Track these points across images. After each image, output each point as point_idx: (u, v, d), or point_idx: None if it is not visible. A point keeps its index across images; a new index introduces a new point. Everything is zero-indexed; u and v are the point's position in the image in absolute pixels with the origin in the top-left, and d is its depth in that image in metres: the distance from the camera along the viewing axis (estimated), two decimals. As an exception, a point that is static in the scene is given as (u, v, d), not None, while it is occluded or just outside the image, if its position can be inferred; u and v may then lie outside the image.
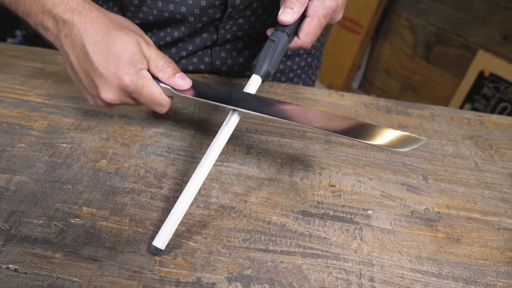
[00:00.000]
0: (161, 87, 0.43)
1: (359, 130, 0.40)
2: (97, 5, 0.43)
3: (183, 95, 0.43)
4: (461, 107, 1.75)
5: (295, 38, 0.47)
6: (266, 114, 0.41)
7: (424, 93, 1.95)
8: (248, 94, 0.43)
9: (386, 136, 0.39)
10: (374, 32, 2.09)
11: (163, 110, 0.45)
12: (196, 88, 0.44)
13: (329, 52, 2.26)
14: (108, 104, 0.43)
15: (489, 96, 1.65)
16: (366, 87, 2.29)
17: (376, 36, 2.12)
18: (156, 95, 0.43)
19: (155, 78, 0.43)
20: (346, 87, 2.22)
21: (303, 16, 0.46)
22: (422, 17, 1.87)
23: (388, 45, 2.08)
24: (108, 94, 0.41)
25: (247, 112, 0.41)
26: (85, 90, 0.44)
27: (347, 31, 2.14)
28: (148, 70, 0.43)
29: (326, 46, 2.27)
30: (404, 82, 2.05)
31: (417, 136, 0.39)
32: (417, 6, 1.88)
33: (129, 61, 0.40)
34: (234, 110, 0.42)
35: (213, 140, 0.41)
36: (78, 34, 0.40)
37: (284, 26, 0.44)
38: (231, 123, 0.42)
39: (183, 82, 0.43)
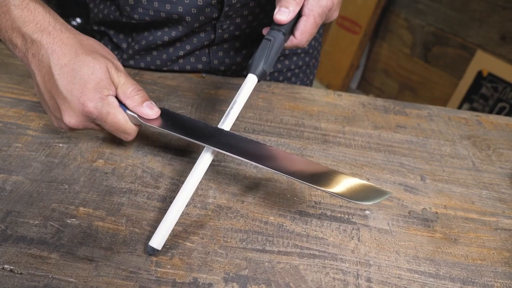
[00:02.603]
0: (128, 114, 0.42)
1: (329, 180, 0.37)
2: (69, 26, 0.42)
3: (149, 124, 0.42)
4: (459, 107, 1.75)
5: (291, 37, 0.47)
6: (235, 155, 0.39)
7: (422, 93, 1.95)
8: (222, 130, 0.41)
9: (354, 187, 0.37)
10: (373, 32, 2.09)
11: (129, 138, 0.44)
12: (165, 119, 0.43)
13: (327, 52, 2.26)
14: (71, 129, 0.42)
15: (487, 96, 1.65)
16: (364, 87, 2.29)
17: (375, 36, 2.13)
18: (121, 123, 0.42)
19: (123, 105, 0.42)
20: (345, 87, 2.22)
21: (299, 15, 0.46)
22: (420, 17, 1.87)
23: (387, 45, 2.08)
24: (71, 119, 0.40)
25: (219, 151, 0.39)
26: (49, 112, 0.43)
27: (345, 31, 2.14)
28: (116, 97, 0.42)
29: (324, 46, 2.27)
30: (402, 82, 2.05)
31: (383, 189, 0.37)
32: (415, 6, 1.88)
33: (95, 87, 0.40)
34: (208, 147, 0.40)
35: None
36: (45, 55, 0.39)
37: (279, 25, 0.44)
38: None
39: (151, 111, 0.42)
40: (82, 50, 0.40)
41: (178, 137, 0.41)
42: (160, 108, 0.44)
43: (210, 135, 0.41)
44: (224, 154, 0.39)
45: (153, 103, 0.43)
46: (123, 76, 0.42)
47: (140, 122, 0.43)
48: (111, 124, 0.41)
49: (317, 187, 0.37)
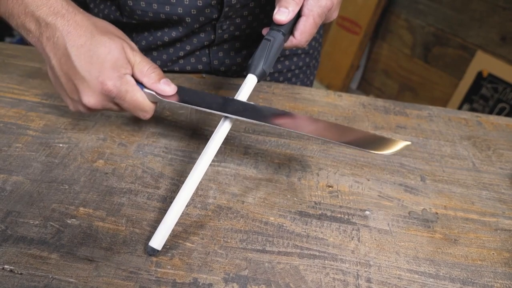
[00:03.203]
0: (145, 92, 0.42)
1: (361, 140, 0.39)
2: (81, 9, 0.42)
3: (168, 100, 0.42)
4: (460, 108, 1.75)
5: (291, 37, 0.47)
6: (257, 120, 0.40)
7: (422, 93, 1.95)
8: (237, 100, 0.42)
9: (364, 137, 0.40)
10: (373, 33, 2.09)
11: (147, 116, 0.44)
12: (182, 94, 0.43)
13: (328, 52, 2.26)
14: (90, 109, 0.42)
15: (488, 96, 1.65)
16: (364, 88, 2.29)
17: (375, 37, 2.13)
18: (140, 101, 0.42)
19: (140, 83, 0.42)
20: (345, 88, 2.23)
21: (298, 15, 0.46)
22: (420, 17, 1.87)
23: (387, 46, 2.08)
24: (90, 99, 0.41)
25: (237, 118, 0.40)
26: (65, 95, 0.43)
27: (345, 31, 2.14)
28: (133, 76, 0.42)
29: (325, 47, 2.27)
30: (402, 83, 2.05)
31: (399, 140, 0.40)
32: (415, 7, 1.89)
33: (113, 66, 0.40)
34: (226, 117, 0.41)
35: (205, 146, 0.40)
36: (60, 37, 0.39)
37: (279, 25, 0.44)
38: (222, 129, 0.41)
39: (168, 88, 0.43)
40: (97, 31, 0.40)
41: (197, 109, 0.42)
42: (177, 85, 0.44)
43: (227, 105, 0.41)
44: (243, 120, 0.40)
45: (169, 80, 0.43)
46: (139, 55, 0.42)
47: (157, 99, 0.43)
48: (130, 102, 0.42)
49: (336, 142, 0.38)
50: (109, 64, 0.40)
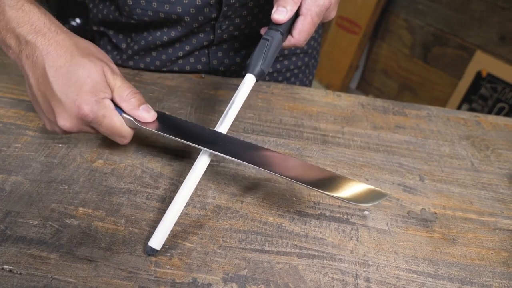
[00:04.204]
0: (123, 117, 0.42)
1: (330, 183, 0.38)
2: (65, 28, 0.41)
3: (146, 127, 0.42)
4: (459, 108, 1.76)
5: (289, 37, 0.47)
6: (232, 157, 0.38)
7: (422, 93, 1.96)
8: (219, 134, 0.41)
9: (353, 189, 0.37)
10: (372, 33, 2.09)
11: (124, 141, 0.43)
12: (161, 122, 0.43)
13: (327, 52, 2.26)
14: (65, 132, 0.41)
15: (487, 96, 1.65)
16: (364, 88, 2.29)
17: (374, 37, 2.13)
18: (117, 126, 0.41)
19: (119, 108, 0.42)
20: (344, 87, 2.23)
21: (297, 14, 0.46)
22: (420, 17, 1.88)
23: (386, 46, 2.08)
24: (66, 122, 0.40)
25: (216, 154, 0.39)
26: (42, 114, 0.42)
27: (345, 31, 2.14)
28: (112, 100, 0.41)
29: (324, 47, 2.27)
30: (402, 83, 2.05)
31: (381, 190, 0.38)
32: (415, 7, 1.89)
33: (91, 90, 0.39)
34: (205, 150, 0.40)
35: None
36: (40, 57, 0.38)
37: (277, 24, 0.44)
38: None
39: (147, 114, 0.42)
40: (78, 52, 0.39)
41: (175, 140, 0.41)
42: (157, 111, 0.43)
43: (207, 138, 0.41)
44: (221, 156, 0.39)
45: (150, 106, 0.43)
46: (119, 79, 0.41)
47: (136, 126, 0.42)
48: (107, 127, 0.41)
49: (315, 188, 0.37)
50: (88, 88, 0.39)
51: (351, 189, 0.37)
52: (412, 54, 1.95)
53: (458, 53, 1.74)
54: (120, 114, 0.42)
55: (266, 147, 0.52)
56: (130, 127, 0.43)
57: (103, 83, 0.40)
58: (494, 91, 1.62)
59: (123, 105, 0.41)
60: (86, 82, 0.39)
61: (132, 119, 0.42)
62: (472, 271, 0.40)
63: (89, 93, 0.39)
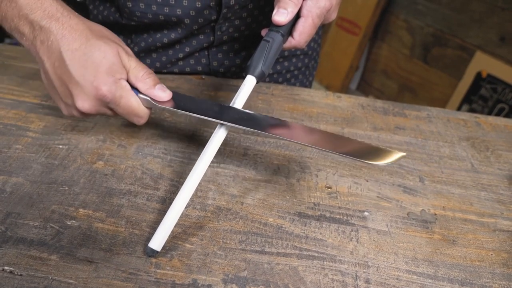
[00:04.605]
0: (140, 98, 0.42)
1: (357, 151, 0.39)
2: (76, 13, 0.42)
3: (162, 106, 0.42)
4: (459, 108, 1.76)
5: (290, 38, 0.47)
6: (253, 128, 0.40)
7: (422, 94, 1.96)
8: (233, 108, 0.42)
9: (360, 148, 0.39)
10: (372, 33, 2.10)
11: (141, 121, 0.44)
12: (177, 100, 0.43)
13: (327, 53, 2.26)
14: (83, 114, 0.42)
15: (487, 97, 1.65)
16: (364, 88, 2.29)
17: (374, 37, 2.13)
18: (134, 106, 0.42)
19: (134, 88, 0.42)
20: (344, 88, 2.23)
21: (297, 16, 0.46)
22: (419, 18, 1.88)
23: (386, 46, 2.08)
24: (84, 104, 0.40)
25: (233, 126, 0.40)
26: (59, 99, 0.42)
27: (345, 32, 2.15)
28: (128, 81, 0.42)
29: (324, 47, 2.27)
30: (402, 83, 2.05)
31: (395, 151, 0.39)
32: (414, 7, 1.89)
33: (108, 71, 0.39)
34: (222, 124, 0.41)
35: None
36: (55, 41, 0.39)
37: (278, 26, 0.44)
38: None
39: (163, 93, 0.42)
40: (92, 35, 0.40)
41: (192, 116, 0.42)
42: (172, 91, 0.44)
43: (224, 112, 0.41)
44: (238, 128, 0.40)
45: (164, 86, 0.43)
46: (134, 60, 0.42)
47: (152, 105, 0.43)
48: (124, 108, 0.41)
49: (333, 152, 0.38)
50: (104, 69, 0.39)
51: (364, 149, 0.39)
52: (412, 55, 1.96)
53: (458, 53, 1.74)
54: (136, 95, 0.42)
55: (265, 147, 0.52)
56: (147, 107, 0.43)
57: (119, 64, 0.40)
58: (494, 92, 1.62)
59: (139, 85, 0.42)
60: (102, 64, 0.39)
61: (149, 98, 0.42)
62: (472, 272, 0.40)
63: (106, 74, 0.39)
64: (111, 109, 0.42)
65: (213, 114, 0.41)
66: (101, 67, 0.39)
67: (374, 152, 0.39)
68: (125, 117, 0.43)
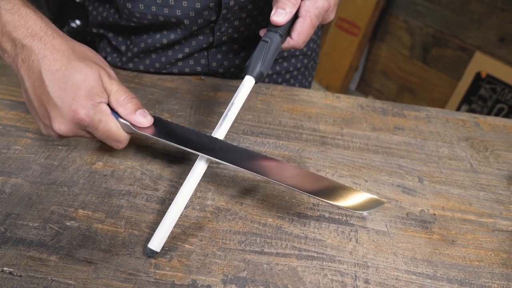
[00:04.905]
0: (120, 122, 0.42)
1: (329, 191, 0.38)
2: (61, 32, 0.41)
3: (142, 132, 0.42)
4: (458, 109, 1.76)
5: (288, 39, 0.47)
6: (228, 163, 0.39)
7: (421, 94, 1.96)
8: (216, 140, 0.41)
9: (352, 198, 0.38)
10: (372, 34, 2.10)
11: (120, 146, 0.43)
12: (158, 127, 0.43)
13: (326, 53, 2.27)
14: (61, 136, 0.41)
15: (486, 97, 1.66)
16: (363, 89, 2.29)
17: (374, 38, 2.13)
18: (113, 131, 0.41)
19: (115, 112, 0.42)
20: (344, 89, 2.23)
21: (296, 16, 0.46)
22: (419, 18, 1.88)
23: (386, 47, 2.09)
24: (61, 126, 0.39)
25: (214, 160, 0.39)
26: (38, 119, 0.42)
27: (344, 32, 2.15)
28: (109, 104, 0.41)
29: (323, 48, 2.27)
30: (401, 84, 2.05)
31: (378, 198, 0.39)
32: (414, 8, 1.89)
33: (87, 94, 0.39)
34: (202, 156, 0.40)
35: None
36: (36, 61, 0.38)
37: (276, 26, 0.44)
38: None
39: (144, 119, 0.42)
40: (75, 56, 0.39)
41: (171, 145, 0.41)
42: (153, 116, 0.43)
43: (204, 144, 0.41)
44: (218, 162, 0.40)
45: (146, 111, 0.43)
46: (116, 84, 0.41)
47: (132, 130, 0.42)
48: (103, 132, 0.41)
49: (313, 196, 0.37)
50: (84, 92, 0.39)
51: (349, 197, 0.38)
52: (411, 55, 1.96)
53: (458, 54, 1.74)
54: (117, 119, 0.41)
55: (265, 148, 0.52)
56: (127, 132, 0.43)
57: (100, 88, 0.40)
58: (494, 92, 1.62)
59: (120, 110, 0.41)
60: (82, 87, 0.39)
61: (128, 123, 0.42)
62: (471, 272, 0.40)
63: (85, 98, 0.39)
64: (89, 132, 0.42)
65: (193, 145, 0.40)
66: (81, 90, 0.39)
67: (346, 193, 0.38)
68: (104, 141, 0.42)
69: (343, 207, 0.37)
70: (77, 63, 0.39)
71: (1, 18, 0.39)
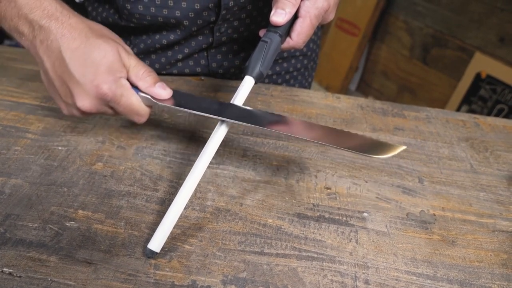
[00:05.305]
0: (140, 96, 0.42)
1: (359, 145, 0.39)
2: (75, 12, 0.41)
3: (163, 104, 0.42)
4: (458, 109, 1.76)
5: (288, 39, 0.47)
6: (254, 124, 0.40)
7: (421, 95, 1.96)
8: (234, 105, 0.42)
9: (361, 142, 0.40)
10: (372, 34, 2.10)
11: (142, 120, 0.43)
12: (177, 98, 0.43)
13: (326, 54, 2.27)
14: (84, 113, 0.42)
15: (486, 97, 1.65)
16: (363, 89, 2.29)
17: (374, 38, 2.13)
18: (135, 104, 0.42)
19: (135, 87, 0.42)
20: (344, 89, 2.23)
21: (295, 16, 0.46)
22: (419, 19, 1.88)
23: (386, 47, 2.09)
24: (85, 103, 0.40)
25: (234, 123, 0.40)
26: (59, 99, 0.42)
27: (344, 33, 2.15)
28: (128, 79, 0.42)
29: (324, 48, 2.28)
30: (401, 84, 2.05)
31: (394, 144, 0.40)
32: (414, 8, 1.89)
33: (108, 69, 0.39)
34: (222, 120, 0.41)
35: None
36: (55, 40, 0.38)
37: (276, 27, 0.44)
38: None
39: (164, 91, 0.42)
40: (92, 34, 0.40)
41: (192, 113, 0.42)
42: (172, 89, 0.44)
43: (223, 109, 0.41)
44: (239, 124, 0.40)
45: (164, 84, 0.43)
46: (134, 59, 0.42)
47: (153, 103, 0.43)
48: (125, 106, 0.41)
49: (335, 146, 0.38)
50: (104, 68, 0.39)
51: (365, 143, 0.40)
52: (411, 56, 1.96)
53: (457, 54, 1.75)
54: (137, 93, 0.42)
55: (265, 148, 0.52)
56: (147, 105, 0.43)
57: (119, 63, 0.40)
58: (494, 93, 1.62)
59: (139, 84, 0.42)
60: (102, 62, 0.39)
61: (149, 96, 0.42)
62: (471, 272, 0.40)
63: (106, 73, 0.39)
64: (111, 108, 0.42)
65: (214, 112, 0.41)
66: (101, 66, 0.39)
67: (375, 145, 0.39)
68: (126, 115, 0.43)
69: (356, 150, 0.38)
70: (95, 40, 0.39)
71: (16, 1, 0.39)
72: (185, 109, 0.42)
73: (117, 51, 0.40)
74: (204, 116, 0.41)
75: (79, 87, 0.39)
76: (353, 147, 0.39)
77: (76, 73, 0.39)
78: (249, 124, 0.40)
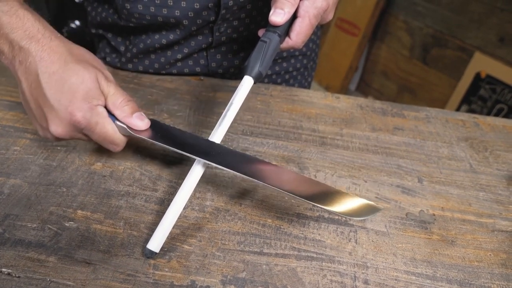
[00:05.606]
0: (117, 125, 0.41)
1: (326, 197, 0.38)
2: (58, 34, 0.41)
3: (139, 136, 0.41)
4: (458, 109, 1.76)
5: (287, 39, 0.47)
6: (231, 169, 0.38)
7: (421, 94, 1.96)
8: (214, 143, 0.41)
9: (349, 204, 0.38)
10: (371, 34, 2.10)
11: (117, 149, 0.43)
12: (155, 130, 0.42)
13: (326, 54, 2.27)
14: (57, 138, 0.41)
15: (486, 97, 1.65)
16: (363, 89, 2.29)
17: (373, 38, 2.13)
18: (110, 133, 0.41)
19: (112, 115, 0.41)
20: (344, 89, 2.23)
21: (294, 16, 0.46)
22: (419, 19, 1.88)
23: (385, 47, 2.09)
24: (58, 129, 0.39)
25: (211, 165, 0.39)
26: (35, 121, 0.41)
27: (344, 33, 2.15)
28: (106, 107, 0.41)
29: (323, 48, 2.28)
30: (401, 84, 2.05)
31: (375, 205, 0.38)
32: (414, 8, 1.89)
33: (84, 96, 0.39)
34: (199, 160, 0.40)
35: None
36: (33, 63, 0.38)
37: (275, 27, 0.44)
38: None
39: (141, 122, 0.41)
40: (72, 59, 0.39)
41: (168, 149, 0.41)
42: (150, 119, 0.43)
43: (201, 148, 0.41)
44: (214, 166, 0.39)
45: (143, 114, 0.42)
46: (113, 86, 0.41)
47: (129, 133, 0.42)
48: (100, 134, 0.40)
49: (309, 201, 0.37)
50: (81, 94, 0.38)
51: (345, 202, 0.38)
52: (411, 56, 1.96)
53: (457, 54, 1.74)
54: (114, 122, 0.41)
55: (264, 148, 0.52)
56: (124, 135, 0.43)
57: (97, 90, 0.40)
58: (493, 92, 1.62)
59: (116, 113, 0.41)
60: (79, 89, 0.38)
61: (125, 126, 0.41)
62: (470, 272, 0.40)
63: (82, 100, 0.39)
64: (86, 135, 0.41)
65: (189, 149, 0.40)
66: (78, 93, 0.38)
67: (339, 198, 0.38)
68: (101, 143, 0.42)
69: (338, 212, 0.36)
70: (74, 66, 0.39)
71: None
72: (161, 144, 0.41)
73: (95, 78, 0.40)
74: (179, 153, 0.40)
75: (53, 113, 0.39)
76: (317, 197, 0.37)
77: (51, 98, 0.38)
78: (221, 167, 0.39)
